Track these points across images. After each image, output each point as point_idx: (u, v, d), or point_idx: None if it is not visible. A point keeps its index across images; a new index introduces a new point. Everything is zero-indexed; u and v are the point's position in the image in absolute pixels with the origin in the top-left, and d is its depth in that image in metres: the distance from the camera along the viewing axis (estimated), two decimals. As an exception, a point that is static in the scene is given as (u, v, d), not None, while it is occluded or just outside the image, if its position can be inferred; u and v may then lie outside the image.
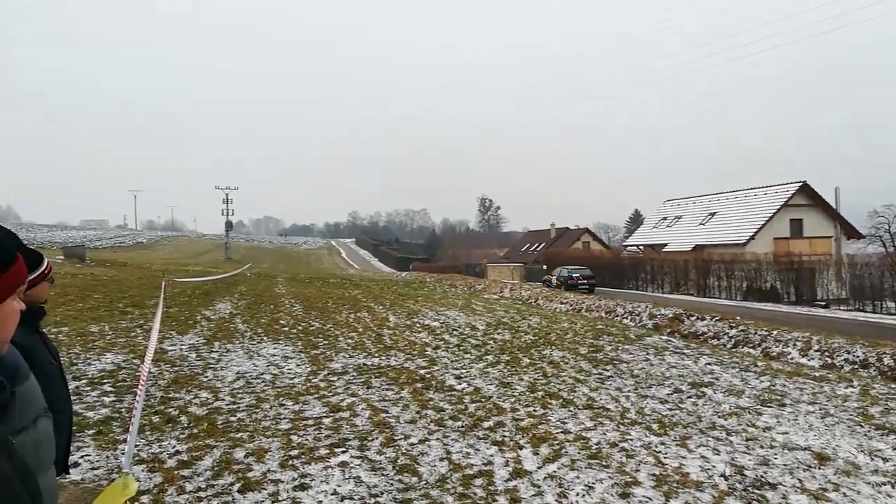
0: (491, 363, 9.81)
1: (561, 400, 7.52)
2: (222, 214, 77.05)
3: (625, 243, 54.35)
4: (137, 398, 3.61)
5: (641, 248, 46.10)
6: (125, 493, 2.35)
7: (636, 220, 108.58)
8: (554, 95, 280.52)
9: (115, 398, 7.01)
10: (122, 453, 5.26)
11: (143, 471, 4.94)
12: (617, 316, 17.02)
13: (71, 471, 2.65)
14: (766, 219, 37.22)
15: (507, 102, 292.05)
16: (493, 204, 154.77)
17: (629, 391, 8.05)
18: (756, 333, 12.71)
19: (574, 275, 34.02)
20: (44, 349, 2.45)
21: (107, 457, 5.24)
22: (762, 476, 5.13)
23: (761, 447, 5.88)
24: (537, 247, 67.23)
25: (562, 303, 20.89)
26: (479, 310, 17.97)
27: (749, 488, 4.88)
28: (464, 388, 8.04)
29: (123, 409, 6.59)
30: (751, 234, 36.77)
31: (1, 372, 1.68)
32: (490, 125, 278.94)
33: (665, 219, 47.33)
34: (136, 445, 5.45)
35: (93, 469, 4.97)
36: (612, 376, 8.96)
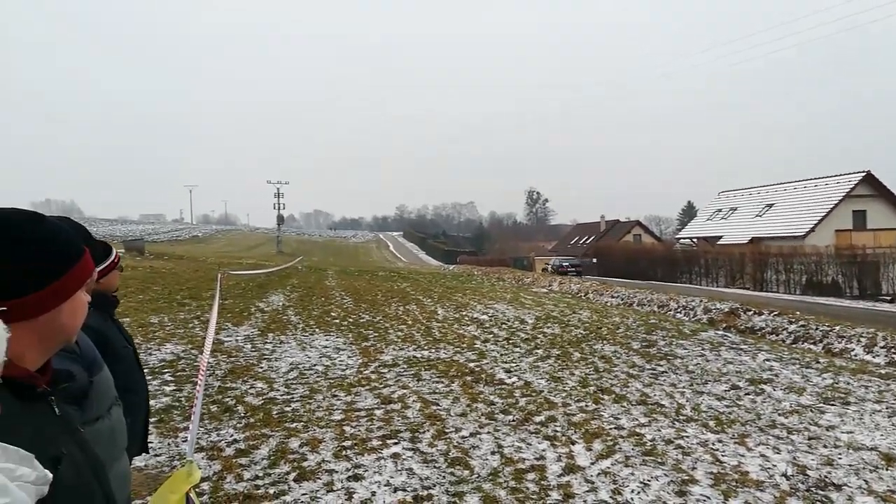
0: (541, 357, 9.75)
1: (613, 395, 7.42)
2: (274, 209, 78.50)
3: (677, 236, 53.13)
4: (198, 389, 3.72)
5: (695, 240, 45.00)
6: (189, 480, 2.43)
7: (689, 213, 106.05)
8: (610, 89, 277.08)
9: (174, 387, 7.25)
10: (183, 441, 5.44)
11: (202, 458, 5.10)
12: (670, 310, 16.67)
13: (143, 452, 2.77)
14: (826, 210, 35.81)
15: (556, 94, 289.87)
16: (540, 197, 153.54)
17: (684, 387, 7.88)
18: (817, 329, 12.26)
19: (564, 263, 44.08)
20: (118, 334, 2.56)
21: (168, 444, 5.42)
22: (826, 476, 4.95)
23: (825, 447, 5.68)
24: (586, 240, 66.36)
25: (612, 296, 20.58)
26: (527, 303, 17.88)
27: (812, 489, 4.71)
28: (514, 382, 8.02)
29: (183, 399, 6.81)
30: (811, 226, 35.44)
31: (80, 362, 1.75)
32: (538, 119, 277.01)
33: (720, 211, 46.06)
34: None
35: (155, 456, 5.15)
36: (665, 372, 8.79)
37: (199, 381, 3.92)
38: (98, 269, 2.44)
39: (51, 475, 0.91)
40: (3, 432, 0.94)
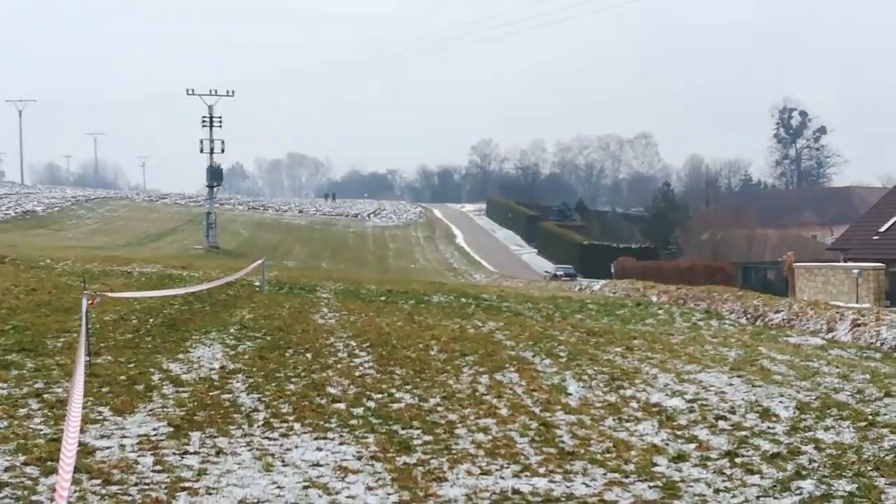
0: (811, 499, 9.63)
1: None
2: (201, 152, 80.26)
3: None
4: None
5: None
6: None
7: None
8: None
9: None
10: None
11: None
12: None
13: None
14: None
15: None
16: (808, 121, 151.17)
17: None
18: None
19: (559, 272, 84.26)
20: None
21: None
22: None
23: None
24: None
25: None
26: (777, 372, 17.61)
27: None
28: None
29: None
30: None
31: None
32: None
33: None
34: None
35: None
36: None
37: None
38: None
39: None
40: None
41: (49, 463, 9.52)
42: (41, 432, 10.97)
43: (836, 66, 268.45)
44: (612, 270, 79.03)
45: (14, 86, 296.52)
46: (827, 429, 12.73)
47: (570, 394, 14.90)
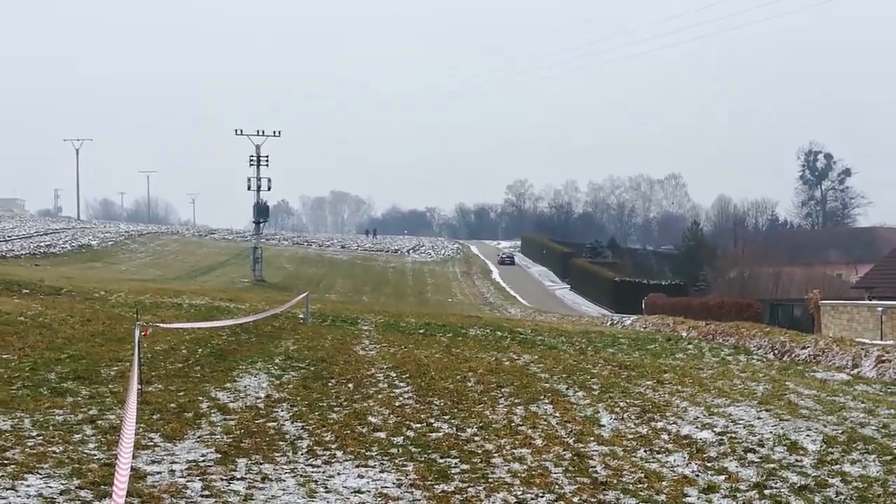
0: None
1: None
2: (248, 189, 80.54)
3: None
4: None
5: None
6: None
7: None
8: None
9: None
10: None
11: None
12: None
13: None
14: None
15: None
16: (833, 163, 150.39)
17: None
18: None
19: (504, 256, 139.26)
20: None
21: None
22: None
23: None
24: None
25: None
26: (804, 406, 17.46)
27: None
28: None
29: None
30: None
31: None
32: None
33: None
34: None
35: None
36: None
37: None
38: None
39: None
40: None
41: (102, 487, 9.53)
42: (95, 457, 10.97)
43: (861, 108, 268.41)
44: (643, 306, 78.66)
45: (72, 125, 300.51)
46: (853, 462, 12.59)
47: (603, 425, 14.82)
